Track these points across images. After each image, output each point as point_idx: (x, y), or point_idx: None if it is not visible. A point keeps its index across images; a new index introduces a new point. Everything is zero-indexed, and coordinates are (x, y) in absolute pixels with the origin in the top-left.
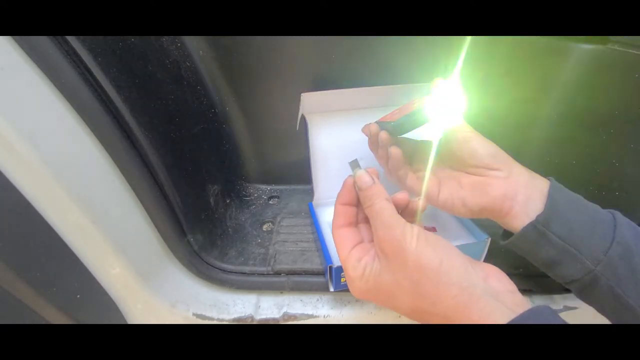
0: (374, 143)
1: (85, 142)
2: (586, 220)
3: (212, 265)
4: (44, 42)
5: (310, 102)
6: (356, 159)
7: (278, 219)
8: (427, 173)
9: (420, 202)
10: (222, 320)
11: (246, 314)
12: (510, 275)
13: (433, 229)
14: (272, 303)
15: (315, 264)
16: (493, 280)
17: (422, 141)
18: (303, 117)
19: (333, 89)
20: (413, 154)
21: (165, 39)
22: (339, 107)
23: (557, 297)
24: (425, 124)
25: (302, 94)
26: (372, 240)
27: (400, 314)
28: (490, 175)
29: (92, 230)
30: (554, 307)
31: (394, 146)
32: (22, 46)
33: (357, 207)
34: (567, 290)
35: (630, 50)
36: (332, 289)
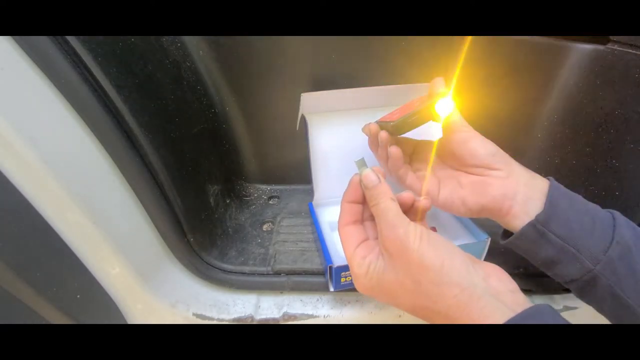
0: (374, 143)
1: (85, 142)
2: (586, 220)
3: (212, 265)
4: (44, 42)
5: (310, 102)
6: (362, 158)
7: (278, 219)
8: (428, 173)
9: (424, 202)
10: (222, 320)
11: (246, 314)
12: (511, 275)
13: (433, 229)
14: (272, 303)
15: (315, 264)
16: (494, 279)
17: (422, 141)
18: (303, 117)
19: (333, 89)
20: (413, 154)
21: (165, 39)
22: (339, 107)
23: (557, 297)
24: (425, 124)
25: (302, 94)
26: (377, 238)
27: (404, 310)
28: (490, 175)
29: (92, 230)
30: (554, 307)
31: (394, 146)
32: (22, 46)
33: (363, 205)
34: (567, 290)
35: (630, 50)
36: (332, 289)
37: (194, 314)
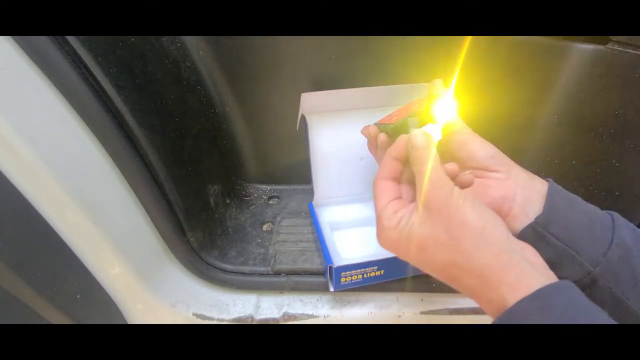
0: (373, 145)
1: (85, 142)
2: (585, 222)
3: (212, 265)
4: (44, 42)
5: (310, 102)
6: (416, 119)
7: (278, 219)
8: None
9: (468, 176)
10: (222, 320)
11: (246, 314)
12: None
13: None
14: (272, 303)
15: (315, 264)
16: (529, 253)
17: None
18: (303, 117)
19: (333, 89)
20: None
21: (165, 39)
22: (339, 107)
23: None
24: (424, 126)
25: (302, 94)
26: (411, 201)
27: (428, 269)
28: (489, 177)
29: (92, 230)
30: None
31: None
32: (22, 46)
33: (403, 166)
34: None
35: (630, 50)
36: (332, 289)
37: (194, 314)
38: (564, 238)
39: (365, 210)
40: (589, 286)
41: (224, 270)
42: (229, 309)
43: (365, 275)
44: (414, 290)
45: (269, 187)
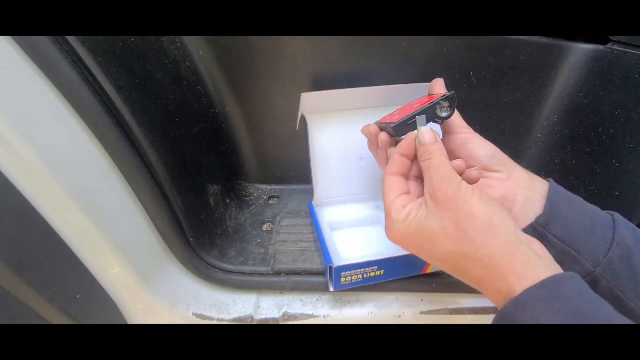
0: (373, 144)
1: (85, 142)
2: (586, 222)
3: (212, 265)
4: (44, 42)
5: (310, 102)
6: (424, 116)
7: (278, 219)
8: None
9: (475, 172)
10: (222, 320)
11: (246, 314)
12: None
13: None
14: (272, 303)
15: (315, 264)
16: (537, 246)
17: None
18: (303, 117)
19: (333, 89)
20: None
21: (165, 39)
22: (339, 107)
23: None
24: (425, 126)
25: (302, 94)
26: (419, 196)
27: (436, 261)
28: (490, 177)
29: (92, 230)
30: None
31: (393, 147)
32: (22, 46)
33: (412, 162)
34: None
35: (630, 50)
36: (332, 289)
37: (194, 314)
38: (564, 238)
39: (365, 210)
40: (590, 286)
41: (224, 270)
42: (229, 309)
43: (365, 275)
44: (414, 290)
45: (269, 187)
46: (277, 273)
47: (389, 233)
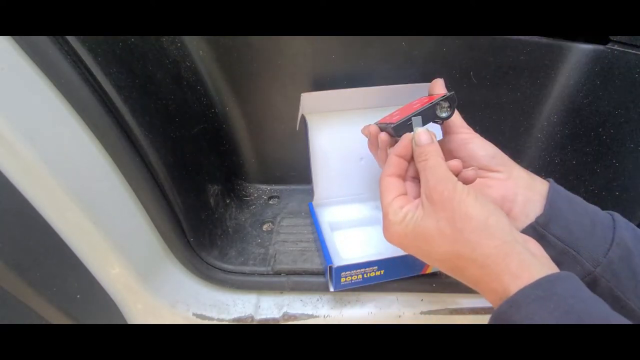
0: (373, 144)
1: (85, 142)
2: (585, 222)
3: (212, 265)
4: (44, 42)
5: (310, 102)
6: (420, 117)
7: (278, 219)
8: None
9: (471, 172)
10: (222, 320)
11: (246, 314)
12: None
13: None
14: (272, 303)
15: (315, 264)
16: (533, 245)
17: None
18: (303, 117)
19: (333, 89)
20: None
21: (165, 39)
22: (339, 107)
23: None
24: (425, 126)
25: (302, 94)
26: (416, 197)
27: (433, 262)
28: (490, 177)
29: (92, 230)
30: None
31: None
32: (22, 46)
33: (408, 163)
34: None
35: (630, 50)
36: (332, 289)
37: (194, 314)
38: (564, 238)
39: (365, 210)
40: (589, 286)
41: (224, 270)
42: (229, 309)
43: (365, 275)
44: (414, 290)
45: (269, 187)
46: (277, 273)
47: (387, 234)
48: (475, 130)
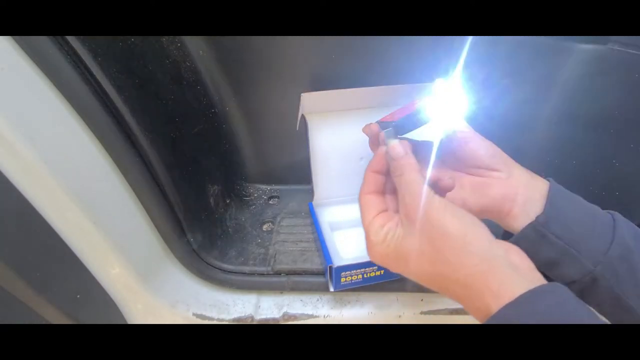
0: (374, 143)
1: (85, 142)
2: (586, 221)
3: (212, 265)
4: (44, 42)
5: (310, 102)
6: (391, 129)
7: (278, 219)
8: (428, 173)
9: (448, 181)
10: (222, 320)
11: (246, 314)
12: None
13: None
14: (272, 303)
15: (315, 264)
16: (514, 255)
17: (422, 142)
18: (303, 117)
19: (333, 89)
20: (413, 155)
21: (165, 39)
22: (339, 107)
23: None
24: (426, 125)
25: (302, 94)
26: (396, 211)
27: (417, 280)
28: (491, 176)
29: (92, 230)
30: None
31: (405, 140)
32: (22, 46)
33: (386, 177)
34: None
35: (630, 50)
36: (332, 289)
37: (194, 314)
38: (564, 237)
39: None
40: (589, 285)
41: (224, 270)
42: (229, 309)
43: (365, 275)
44: (414, 290)
45: (269, 187)
46: (277, 273)
47: (370, 254)
48: (475, 130)
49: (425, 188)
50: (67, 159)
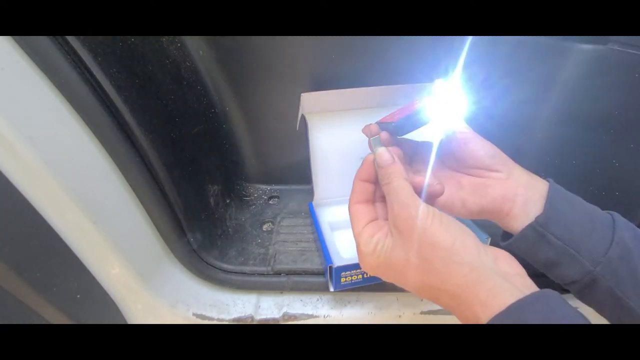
0: None
1: (85, 142)
2: (585, 222)
3: (212, 265)
4: (44, 42)
5: (310, 102)
6: (378, 137)
7: (278, 219)
8: (428, 174)
9: (437, 187)
10: (222, 320)
11: (246, 314)
12: None
13: None
14: (272, 303)
15: (315, 264)
16: (503, 262)
17: (422, 142)
18: (303, 117)
19: (333, 89)
20: (413, 155)
21: (165, 39)
22: (339, 107)
23: None
24: (426, 125)
25: (302, 94)
26: (386, 219)
27: (410, 289)
28: (490, 177)
29: (92, 230)
30: None
31: (394, 147)
32: (22, 46)
33: (375, 185)
34: (567, 291)
35: (630, 50)
36: (332, 289)
37: (194, 314)
38: (564, 238)
39: None
40: (589, 286)
41: (224, 270)
42: (229, 309)
43: (365, 275)
44: None
45: (269, 187)
46: (277, 273)
47: (361, 264)
48: (475, 130)
49: (413, 196)
50: (67, 159)
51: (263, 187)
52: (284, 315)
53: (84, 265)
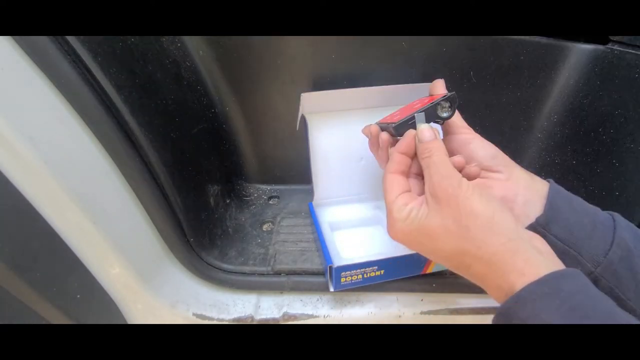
0: (374, 144)
1: (85, 142)
2: (586, 222)
3: (212, 265)
4: (44, 42)
5: (310, 102)
6: (423, 113)
7: (278, 219)
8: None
9: (474, 168)
10: (222, 320)
11: (246, 314)
12: None
13: None
14: (272, 303)
15: (315, 264)
16: (537, 241)
17: None
18: (303, 117)
19: (333, 89)
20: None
21: (165, 39)
22: (339, 107)
23: None
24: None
25: (302, 94)
26: (420, 194)
27: (436, 258)
28: (491, 177)
29: (92, 230)
30: None
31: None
32: (22, 46)
33: (411, 160)
34: None
35: (630, 50)
36: (332, 289)
37: (194, 314)
38: (565, 238)
39: (365, 210)
40: None
41: (224, 270)
42: (229, 309)
43: (365, 275)
44: (414, 290)
45: (269, 187)
46: (277, 273)
47: (391, 231)
48: (476, 130)
49: (454, 170)
50: (67, 159)
51: (263, 187)
52: (284, 315)
53: (84, 265)
